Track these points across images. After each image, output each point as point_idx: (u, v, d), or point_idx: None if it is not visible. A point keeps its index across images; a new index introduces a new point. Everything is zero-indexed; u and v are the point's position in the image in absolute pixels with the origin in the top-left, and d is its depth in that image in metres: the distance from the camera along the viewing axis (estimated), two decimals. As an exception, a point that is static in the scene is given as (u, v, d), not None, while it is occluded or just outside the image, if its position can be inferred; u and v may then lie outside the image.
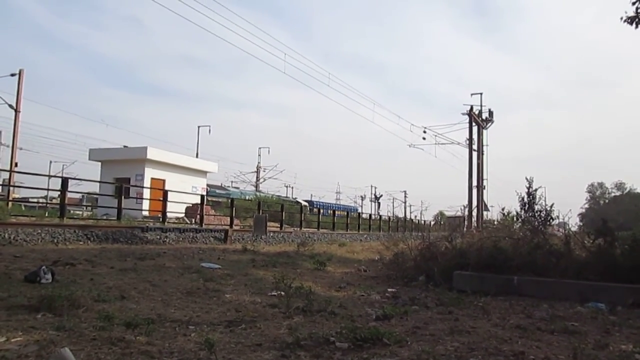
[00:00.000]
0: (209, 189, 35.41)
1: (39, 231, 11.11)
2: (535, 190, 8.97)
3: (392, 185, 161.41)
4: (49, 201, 35.22)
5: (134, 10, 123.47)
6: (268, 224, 18.80)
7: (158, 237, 13.90)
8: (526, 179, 9.09)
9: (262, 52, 68.57)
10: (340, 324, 4.61)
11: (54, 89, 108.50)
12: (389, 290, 7.38)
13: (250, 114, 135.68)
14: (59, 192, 17.24)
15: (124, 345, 3.50)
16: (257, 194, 46.35)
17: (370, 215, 44.24)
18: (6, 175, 30.62)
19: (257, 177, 59.97)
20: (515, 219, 10.04)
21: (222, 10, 42.92)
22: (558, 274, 7.19)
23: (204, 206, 20.52)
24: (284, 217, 25.42)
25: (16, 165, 28.99)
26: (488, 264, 7.68)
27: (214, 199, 34.16)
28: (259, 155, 59.71)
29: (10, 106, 29.49)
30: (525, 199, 9.00)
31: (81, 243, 11.34)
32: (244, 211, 27.87)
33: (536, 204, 8.95)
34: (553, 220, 9.05)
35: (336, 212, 37.50)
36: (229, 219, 21.11)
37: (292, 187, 65.43)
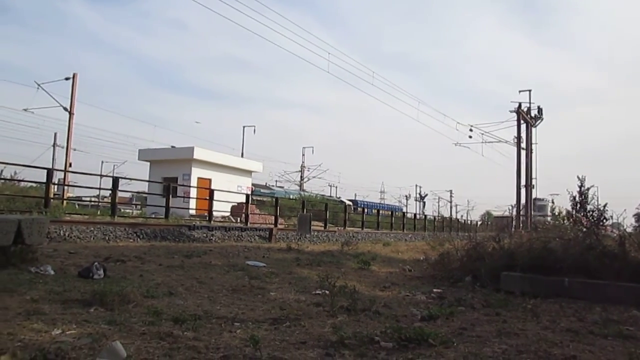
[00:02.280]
0: (254, 188, 35.83)
1: (92, 229, 11.49)
2: (587, 189, 8.67)
3: (438, 185, 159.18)
4: (100, 200, 36.42)
5: (179, 14, 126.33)
6: (312, 223, 18.85)
7: (204, 235, 14.16)
8: (578, 177, 8.79)
9: (306, 52, 69.13)
10: (384, 323, 4.58)
11: (105, 91, 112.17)
12: (435, 290, 7.28)
13: (295, 113, 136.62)
14: (110, 191, 17.79)
15: (172, 340, 3.58)
16: (301, 193, 46.64)
17: (415, 214, 43.72)
18: (61, 175, 31.86)
19: (301, 177, 60.32)
20: (565, 219, 9.73)
21: (266, 11, 43.41)
22: (612, 276, 6.91)
23: (249, 205, 20.76)
24: (327, 217, 25.44)
25: (70, 165, 30.14)
26: (537, 265, 7.46)
27: (258, 198, 34.54)
28: (303, 154, 60.04)
29: (65, 109, 30.66)
30: (577, 199, 8.70)
31: (131, 240, 11.68)
32: (288, 210, 28.09)
33: (588, 204, 8.64)
34: (606, 220, 8.71)
35: (380, 212, 37.29)
36: (273, 218, 21.29)
37: (336, 187, 65.50)
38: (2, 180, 18.20)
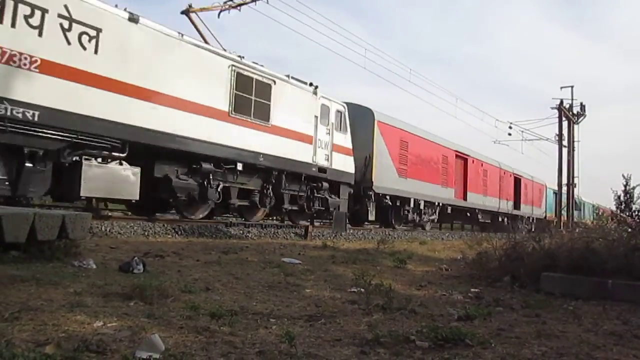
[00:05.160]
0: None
1: (132, 224, 11.76)
2: (633, 188, 8.39)
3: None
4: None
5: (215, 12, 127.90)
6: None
7: (241, 232, 14.31)
8: (623, 176, 8.51)
9: (342, 48, 68.91)
10: (420, 322, 4.53)
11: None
12: (472, 290, 7.16)
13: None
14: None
15: (208, 335, 3.63)
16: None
17: (452, 213, 43.05)
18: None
19: (336, 174, 59.99)
20: (609, 219, 9.46)
21: (303, 7, 43.48)
22: (659, 278, 6.66)
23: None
24: (363, 214, 25.21)
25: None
26: (579, 266, 7.25)
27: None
28: (339, 152, 59.71)
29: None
30: (622, 198, 8.43)
31: (169, 236, 11.89)
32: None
33: (634, 203, 8.36)
34: (654, 221, 8.40)
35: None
36: (308, 215, 21.35)
37: (372, 185, 64.97)
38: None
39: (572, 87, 33.41)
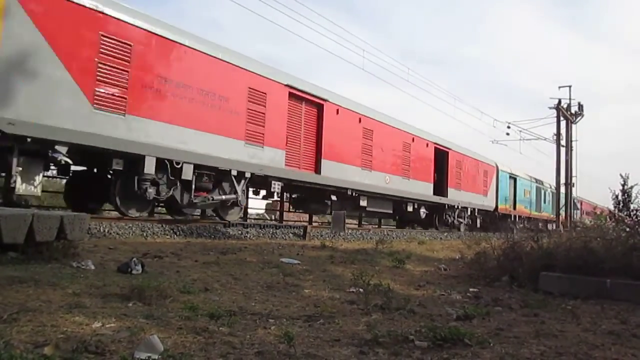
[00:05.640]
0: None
1: (130, 225, 11.74)
2: (631, 187, 8.42)
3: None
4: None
5: (214, 14, 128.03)
6: (346, 220, 18.83)
7: (239, 232, 14.30)
8: (621, 175, 8.55)
9: (341, 49, 68.91)
10: (419, 322, 4.54)
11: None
12: (471, 290, 7.17)
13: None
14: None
15: (207, 335, 3.63)
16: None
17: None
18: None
19: (335, 175, 59.77)
20: (607, 218, 9.48)
21: (301, 8, 43.50)
22: (657, 278, 6.68)
23: (284, 203, 20.86)
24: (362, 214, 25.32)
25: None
26: (577, 266, 7.27)
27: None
28: (337, 152, 59.54)
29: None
30: (620, 197, 8.46)
31: (168, 237, 11.87)
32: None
33: (632, 203, 8.38)
34: (652, 220, 8.42)
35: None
36: (307, 215, 21.35)
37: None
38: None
39: (570, 86, 33.53)
